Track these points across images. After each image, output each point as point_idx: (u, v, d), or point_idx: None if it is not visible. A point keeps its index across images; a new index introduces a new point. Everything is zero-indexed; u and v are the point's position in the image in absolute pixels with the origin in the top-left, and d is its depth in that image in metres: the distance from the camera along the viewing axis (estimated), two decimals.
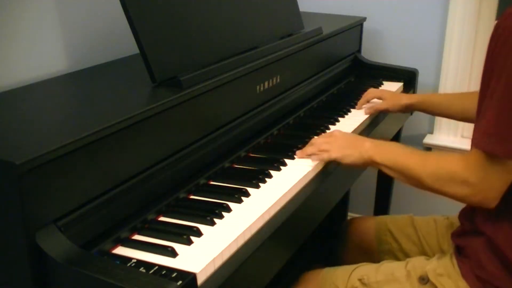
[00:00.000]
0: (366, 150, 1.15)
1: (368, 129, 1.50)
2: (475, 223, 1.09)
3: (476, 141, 0.98)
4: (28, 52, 1.26)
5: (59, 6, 1.32)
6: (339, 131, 1.26)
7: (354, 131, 1.43)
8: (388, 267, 1.18)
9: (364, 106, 1.58)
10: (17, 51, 1.24)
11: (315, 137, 1.30)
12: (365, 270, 1.19)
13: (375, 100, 1.59)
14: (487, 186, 0.98)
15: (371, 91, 1.62)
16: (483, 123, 0.96)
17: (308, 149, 1.23)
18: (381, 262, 1.22)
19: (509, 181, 0.98)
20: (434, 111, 1.54)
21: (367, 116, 1.53)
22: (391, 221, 1.42)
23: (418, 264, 1.15)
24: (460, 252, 1.11)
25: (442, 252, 1.26)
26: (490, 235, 1.05)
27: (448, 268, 1.10)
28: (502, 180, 0.98)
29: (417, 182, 1.07)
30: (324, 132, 1.39)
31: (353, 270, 1.19)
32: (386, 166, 1.13)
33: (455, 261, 1.11)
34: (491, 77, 0.95)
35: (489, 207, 1.00)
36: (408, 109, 1.57)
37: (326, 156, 1.19)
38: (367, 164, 1.17)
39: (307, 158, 1.22)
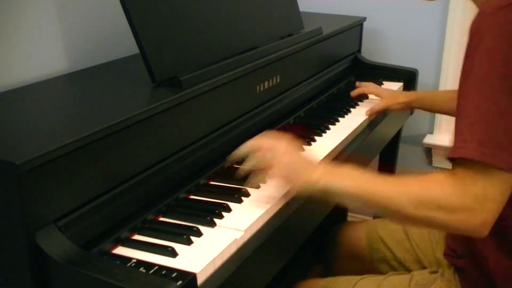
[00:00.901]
0: (317, 178, 0.93)
1: (367, 129, 1.50)
2: (465, 246, 1.04)
3: (468, 151, 0.80)
4: (28, 52, 1.26)
5: (59, 6, 1.32)
6: (284, 146, 1.00)
7: (354, 131, 1.43)
8: (391, 283, 1.14)
9: (360, 103, 1.56)
10: (17, 51, 1.24)
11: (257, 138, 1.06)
12: (368, 283, 1.16)
13: (372, 97, 1.58)
14: (486, 206, 0.80)
15: (370, 85, 1.61)
16: (474, 130, 0.81)
17: (243, 149, 1.03)
18: (385, 276, 1.18)
19: (506, 199, 0.82)
20: (433, 108, 1.54)
21: (367, 116, 1.53)
22: (381, 226, 1.37)
23: (422, 280, 1.11)
24: (458, 270, 1.08)
25: (438, 262, 1.24)
26: (479, 261, 0.99)
27: (452, 285, 1.07)
28: (501, 197, 0.81)
29: (395, 212, 0.87)
30: (324, 132, 1.39)
31: (355, 283, 1.16)
32: (348, 195, 0.91)
33: (457, 278, 1.08)
34: (471, 77, 0.84)
35: (484, 234, 0.83)
36: (407, 107, 1.56)
37: (266, 178, 1.02)
38: (317, 194, 0.94)
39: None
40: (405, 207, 0.85)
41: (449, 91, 1.59)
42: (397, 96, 1.56)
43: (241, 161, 1.22)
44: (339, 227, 1.51)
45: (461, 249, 1.05)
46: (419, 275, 1.14)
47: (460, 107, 0.84)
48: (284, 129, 1.43)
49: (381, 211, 0.91)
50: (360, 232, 1.40)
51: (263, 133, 1.14)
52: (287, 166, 0.97)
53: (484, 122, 0.80)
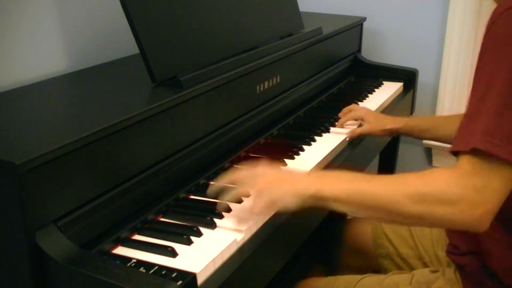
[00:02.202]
0: (307, 186, 0.89)
1: None
2: (467, 244, 1.03)
3: (471, 142, 0.80)
4: (28, 52, 1.26)
5: (59, 6, 1.32)
6: (265, 170, 0.95)
7: (354, 131, 1.43)
8: (393, 281, 1.15)
9: (345, 124, 1.45)
10: (17, 51, 1.24)
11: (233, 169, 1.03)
12: (369, 282, 1.16)
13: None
14: (487, 197, 0.79)
15: (354, 108, 1.49)
16: (480, 122, 0.81)
17: (228, 194, 0.97)
18: (386, 275, 1.19)
19: (508, 191, 0.81)
20: (421, 136, 1.44)
21: (347, 137, 1.42)
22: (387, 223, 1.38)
23: (423, 279, 1.11)
24: (460, 268, 1.08)
25: (439, 260, 1.25)
26: (483, 258, 0.99)
27: (453, 285, 1.07)
28: (503, 189, 0.80)
29: (392, 211, 0.84)
30: (324, 132, 1.39)
31: (357, 282, 1.16)
32: (340, 200, 0.87)
33: (459, 276, 1.08)
34: (485, 71, 0.85)
35: (484, 228, 0.82)
36: (392, 134, 1.47)
37: (247, 216, 0.95)
38: (308, 203, 0.89)
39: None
40: (403, 204, 0.83)
41: (438, 117, 1.54)
42: (383, 122, 1.44)
43: (241, 161, 1.23)
44: (345, 223, 1.53)
45: (465, 246, 1.05)
46: (420, 274, 1.14)
47: (470, 100, 0.85)
48: (284, 129, 1.43)
49: (377, 214, 0.88)
50: (365, 228, 1.42)
51: (240, 166, 1.10)
52: (271, 182, 0.92)
53: (492, 114, 0.80)
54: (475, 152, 0.80)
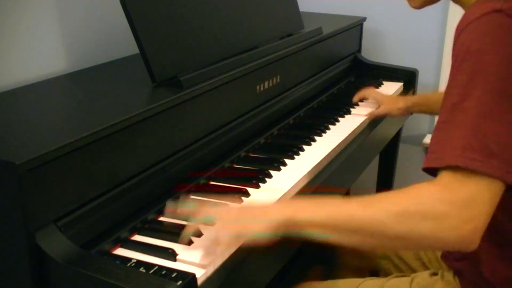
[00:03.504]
0: (279, 212, 0.82)
1: (367, 130, 1.50)
2: (460, 252, 1.02)
3: (454, 159, 0.75)
4: (28, 52, 1.26)
5: (59, 6, 1.32)
6: (233, 206, 0.92)
7: (354, 132, 1.43)
8: (393, 284, 1.14)
9: (360, 104, 1.58)
10: (17, 51, 1.24)
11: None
12: (370, 286, 1.15)
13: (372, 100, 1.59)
14: (475, 212, 0.75)
15: (370, 90, 1.63)
16: (457, 135, 0.77)
17: (189, 228, 0.91)
18: (387, 278, 1.18)
19: (495, 206, 0.77)
20: (433, 111, 1.55)
21: (366, 116, 1.53)
22: None
23: (423, 282, 1.11)
24: (457, 272, 1.07)
25: (437, 260, 1.24)
26: (476, 266, 0.98)
27: (452, 287, 1.07)
28: (491, 203, 0.76)
29: (375, 233, 0.78)
30: (324, 132, 1.39)
31: (357, 286, 1.15)
32: (317, 225, 0.80)
33: (458, 280, 1.07)
34: (457, 83, 0.81)
35: (473, 246, 0.77)
36: (407, 112, 1.58)
37: (217, 251, 0.86)
38: (281, 231, 0.82)
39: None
40: (387, 223, 0.77)
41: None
42: (396, 101, 1.57)
43: (241, 161, 1.23)
44: None
45: (458, 252, 1.04)
46: (419, 277, 1.14)
47: (443, 112, 0.80)
48: (284, 129, 1.43)
49: (359, 238, 0.81)
50: None
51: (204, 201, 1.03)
52: (238, 214, 0.87)
53: (472, 127, 0.76)
54: (457, 167, 0.75)
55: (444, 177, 0.76)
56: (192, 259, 0.86)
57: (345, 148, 1.36)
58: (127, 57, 1.42)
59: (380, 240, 0.79)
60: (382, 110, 1.56)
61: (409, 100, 1.56)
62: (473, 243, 0.76)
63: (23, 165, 0.77)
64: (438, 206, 0.75)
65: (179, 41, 1.16)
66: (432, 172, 0.80)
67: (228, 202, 0.94)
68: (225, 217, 0.87)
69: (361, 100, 1.66)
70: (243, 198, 1.04)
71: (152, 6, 1.13)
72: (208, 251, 0.86)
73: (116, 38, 1.45)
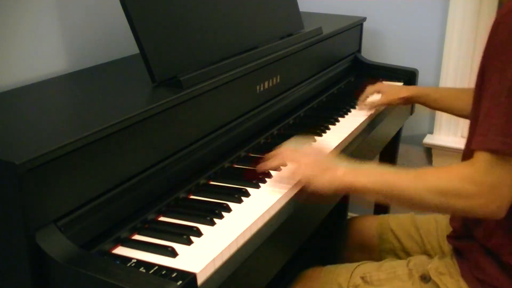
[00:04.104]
0: (341, 175, 1.00)
1: (367, 130, 1.50)
2: (467, 228, 1.08)
3: (487, 143, 0.88)
4: (28, 52, 1.26)
5: (59, 6, 1.32)
6: (309, 150, 1.11)
7: (354, 132, 1.43)
8: (390, 265, 1.18)
9: (364, 103, 1.56)
10: (17, 51, 1.24)
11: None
12: (367, 268, 1.19)
13: (374, 95, 1.58)
14: (502, 192, 0.88)
15: (369, 87, 1.62)
16: (493, 122, 0.88)
17: (274, 161, 1.10)
18: (383, 260, 1.22)
19: None
20: (433, 105, 1.53)
21: (366, 116, 1.52)
22: (393, 219, 1.42)
23: (420, 262, 1.15)
24: (458, 253, 1.11)
25: (443, 252, 1.27)
26: (482, 240, 1.03)
27: (450, 267, 1.10)
28: None
29: (416, 202, 0.95)
30: (324, 132, 1.39)
31: (355, 268, 1.20)
32: (369, 192, 0.99)
33: (455, 260, 1.10)
34: (492, 74, 0.90)
35: (500, 217, 0.91)
36: (408, 102, 1.56)
37: (297, 170, 1.05)
38: (340, 191, 1.02)
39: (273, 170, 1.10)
40: (424, 197, 0.92)
41: (453, 89, 1.60)
42: (398, 90, 1.56)
43: (241, 161, 1.23)
44: (351, 220, 1.55)
45: (465, 230, 1.09)
46: (417, 258, 1.17)
47: (485, 99, 0.90)
48: (284, 129, 1.43)
49: (403, 204, 0.98)
50: (371, 224, 1.45)
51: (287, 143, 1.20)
52: (312, 162, 1.04)
53: (504, 114, 0.86)
54: (490, 150, 0.87)
55: (478, 159, 0.89)
56: (192, 258, 0.86)
57: (345, 148, 1.36)
58: (127, 57, 1.42)
59: (420, 208, 0.97)
60: (383, 99, 1.54)
61: (413, 90, 1.55)
62: (500, 215, 0.90)
63: (23, 165, 0.77)
64: (469, 187, 0.89)
65: (179, 41, 1.16)
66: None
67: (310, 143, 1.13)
68: (303, 160, 1.05)
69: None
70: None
71: (152, 6, 1.13)
72: (283, 181, 1.08)
73: (116, 38, 1.45)
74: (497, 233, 1.01)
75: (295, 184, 1.08)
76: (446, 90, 1.63)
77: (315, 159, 1.06)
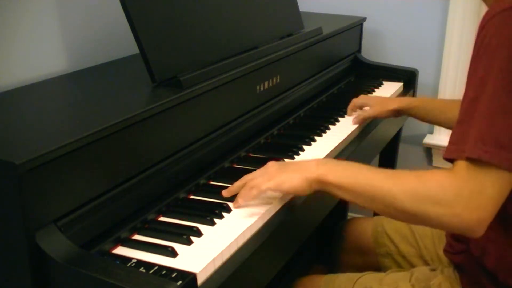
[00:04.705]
0: (313, 170, 0.95)
1: (367, 130, 1.50)
2: (463, 243, 1.04)
3: (467, 150, 0.81)
4: (28, 52, 1.26)
5: (59, 6, 1.32)
6: (274, 162, 1.03)
7: (354, 131, 1.43)
8: (393, 278, 1.15)
9: (353, 113, 1.50)
10: (17, 51, 1.24)
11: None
12: (369, 280, 1.17)
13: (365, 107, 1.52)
14: (481, 202, 0.80)
15: (359, 97, 1.53)
16: (473, 128, 0.82)
17: (235, 185, 1.03)
18: (386, 272, 1.19)
19: (504, 198, 0.82)
20: (424, 117, 1.45)
21: (354, 124, 1.46)
22: (388, 222, 1.39)
23: (422, 277, 1.12)
24: (458, 267, 1.09)
25: (440, 259, 1.25)
26: (479, 257, 0.99)
27: (452, 282, 1.08)
28: (499, 195, 0.81)
29: (389, 205, 0.87)
30: (324, 132, 1.39)
31: (357, 279, 1.17)
32: (343, 187, 0.92)
33: (457, 274, 1.08)
34: (476, 76, 0.85)
35: (478, 234, 0.83)
36: (398, 114, 1.47)
37: (254, 192, 0.98)
38: (314, 187, 0.95)
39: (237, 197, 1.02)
40: (400, 200, 0.85)
41: (446, 100, 1.53)
42: (386, 103, 1.47)
43: (241, 161, 1.23)
44: (346, 222, 1.54)
45: (461, 245, 1.05)
46: (419, 271, 1.15)
47: (464, 105, 0.85)
48: (284, 129, 1.43)
49: (375, 206, 0.90)
50: (366, 227, 1.43)
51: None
52: (277, 171, 0.98)
53: (485, 120, 0.81)
54: (471, 159, 0.81)
55: (459, 167, 0.82)
56: (192, 258, 0.86)
57: (345, 148, 1.36)
58: (127, 57, 1.42)
59: (392, 211, 0.88)
60: (371, 112, 1.47)
61: (404, 101, 1.46)
62: (478, 231, 0.82)
63: (23, 165, 0.77)
64: (447, 194, 0.82)
65: (179, 41, 1.16)
66: (452, 161, 0.85)
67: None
68: (265, 173, 0.99)
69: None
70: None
71: (152, 6, 1.13)
72: (244, 195, 0.99)
73: (116, 38, 1.45)
74: (495, 251, 0.96)
75: None
76: (438, 102, 1.56)
77: (279, 165, 1.00)
